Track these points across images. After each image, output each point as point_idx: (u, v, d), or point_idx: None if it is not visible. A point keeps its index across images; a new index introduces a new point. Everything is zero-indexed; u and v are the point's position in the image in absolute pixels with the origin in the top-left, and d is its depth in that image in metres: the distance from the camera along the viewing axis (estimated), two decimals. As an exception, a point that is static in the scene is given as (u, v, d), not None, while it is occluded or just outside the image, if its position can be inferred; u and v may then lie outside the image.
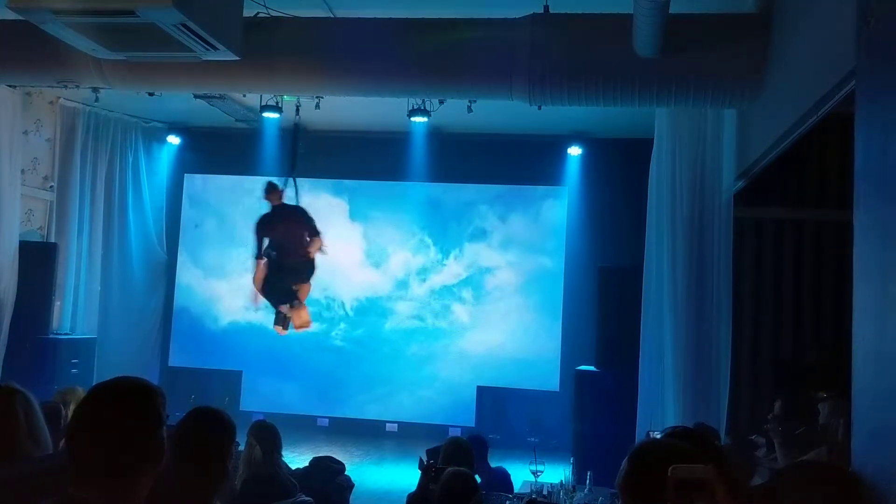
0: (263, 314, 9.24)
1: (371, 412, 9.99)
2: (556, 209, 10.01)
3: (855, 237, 2.63)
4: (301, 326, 8.31)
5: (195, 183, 10.69)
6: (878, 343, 2.42)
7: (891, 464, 2.28)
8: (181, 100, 8.35)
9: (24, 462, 2.32)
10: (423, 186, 10.01)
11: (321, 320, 10.11)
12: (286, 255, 8.14)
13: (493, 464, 5.28)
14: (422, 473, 4.16)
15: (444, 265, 10.16)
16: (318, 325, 10.13)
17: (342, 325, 10.32)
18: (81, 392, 4.41)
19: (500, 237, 10.08)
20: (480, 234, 10.12)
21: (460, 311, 10.08)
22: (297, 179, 8.39)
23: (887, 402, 2.34)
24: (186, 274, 10.63)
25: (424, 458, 4.37)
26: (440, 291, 10.14)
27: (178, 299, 10.59)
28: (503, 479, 5.04)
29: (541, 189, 10.01)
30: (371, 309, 10.29)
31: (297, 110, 8.49)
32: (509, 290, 10.02)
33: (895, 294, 2.30)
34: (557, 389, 9.59)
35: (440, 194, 10.17)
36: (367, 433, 9.71)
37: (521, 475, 5.17)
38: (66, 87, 6.78)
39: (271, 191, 8.17)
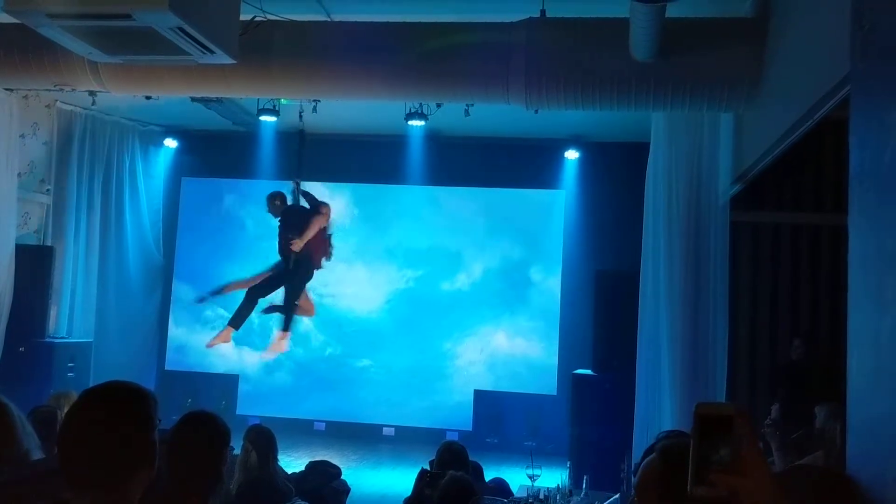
0: (260, 322, 9.23)
1: (368, 416, 9.96)
2: (553, 213, 10.00)
3: (850, 241, 2.63)
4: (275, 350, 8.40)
5: (192, 187, 10.68)
6: (873, 347, 2.42)
7: (885, 468, 2.28)
8: (178, 103, 8.34)
9: (17, 467, 2.31)
10: (419, 190, 10.00)
11: (317, 320, 10.10)
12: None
13: (490, 469, 5.26)
14: (417, 478, 4.15)
15: (442, 267, 10.14)
16: (314, 323, 10.15)
17: (339, 326, 10.30)
18: (75, 396, 4.38)
19: (497, 241, 10.06)
20: (477, 238, 10.10)
21: (457, 314, 10.05)
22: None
23: (882, 407, 2.34)
24: (183, 277, 10.61)
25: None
26: (436, 295, 10.12)
27: (175, 303, 10.57)
28: (503, 492, 4.98)
29: (538, 193, 10.01)
30: (369, 309, 10.27)
31: (301, 115, 8.48)
32: (506, 294, 10.00)
33: (890, 298, 2.30)
34: (555, 393, 9.58)
35: (437, 197, 10.16)
36: (364, 437, 9.69)
37: (517, 479, 5.16)
38: (62, 90, 6.77)
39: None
